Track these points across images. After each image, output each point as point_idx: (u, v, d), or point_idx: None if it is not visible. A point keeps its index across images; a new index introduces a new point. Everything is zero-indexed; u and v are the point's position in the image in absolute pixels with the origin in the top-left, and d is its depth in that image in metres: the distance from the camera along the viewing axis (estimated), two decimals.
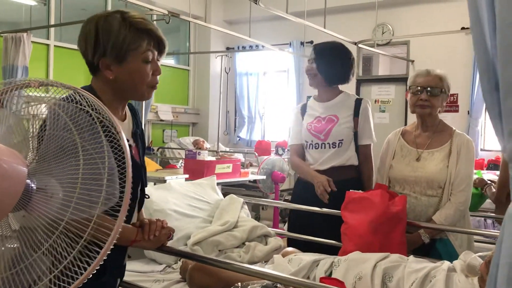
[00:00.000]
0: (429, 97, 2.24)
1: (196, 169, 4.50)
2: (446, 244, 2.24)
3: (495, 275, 0.89)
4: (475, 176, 2.97)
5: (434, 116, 2.30)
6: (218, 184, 4.88)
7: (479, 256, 1.50)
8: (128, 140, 1.49)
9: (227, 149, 7.19)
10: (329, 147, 2.57)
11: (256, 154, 6.09)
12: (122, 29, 1.39)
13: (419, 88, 2.27)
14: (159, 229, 1.55)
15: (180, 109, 7.72)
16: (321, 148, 2.58)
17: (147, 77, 1.44)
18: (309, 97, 2.92)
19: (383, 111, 6.55)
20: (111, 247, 1.12)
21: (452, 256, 2.22)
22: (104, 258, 1.23)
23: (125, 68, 1.41)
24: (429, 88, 2.24)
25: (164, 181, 4.12)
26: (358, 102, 2.61)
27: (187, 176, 4.40)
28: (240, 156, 6.56)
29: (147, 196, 1.68)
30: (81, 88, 1.50)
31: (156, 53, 1.47)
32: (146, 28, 1.42)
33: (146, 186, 1.72)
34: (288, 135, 2.83)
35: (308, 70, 2.63)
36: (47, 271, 1.11)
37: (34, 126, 1.13)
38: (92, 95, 1.14)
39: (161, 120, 7.36)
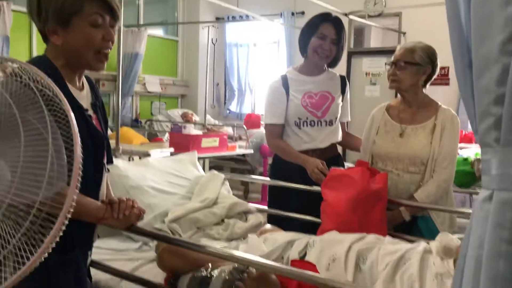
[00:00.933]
0: (397, 71, 2.18)
1: (181, 143, 4.43)
2: (427, 221, 2.20)
3: (462, 267, 0.84)
4: (473, 157, 2.93)
5: (413, 90, 2.23)
6: (205, 158, 4.85)
7: (457, 238, 1.46)
8: (87, 110, 1.43)
9: (216, 122, 7.11)
10: (326, 125, 2.50)
11: (245, 128, 6.02)
12: None
13: (389, 62, 2.23)
14: (129, 208, 1.50)
15: (169, 80, 7.58)
16: (318, 125, 2.48)
17: (94, 43, 1.37)
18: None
19: (374, 84, 6.46)
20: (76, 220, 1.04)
21: (433, 233, 2.18)
22: (71, 232, 1.17)
23: (71, 32, 1.36)
24: (397, 62, 2.18)
25: (148, 155, 4.06)
26: (343, 80, 2.60)
27: (172, 150, 4.33)
28: (229, 130, 6.50)
29: (107, 170, 1.62)
30: (33, 58, 1.44)
31: (108, 18, 1.40)
32: None
33: (111, 161, 1.67)
34: (266, 112, 2.56)
35: (325, 50, 2.41)
36: None
37: None
38: (34, 67, 1.06)
39: (149, 92, 7.23)
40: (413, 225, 2.23)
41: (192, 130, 4.53)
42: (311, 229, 2.23)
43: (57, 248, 1.09)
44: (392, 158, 2.24)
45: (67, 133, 1.06)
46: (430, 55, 2.20)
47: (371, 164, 2.32)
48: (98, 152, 1.49)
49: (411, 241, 2.11)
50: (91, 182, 1.48)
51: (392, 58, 2.25)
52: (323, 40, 2.40)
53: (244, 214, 2.47)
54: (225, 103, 7.85)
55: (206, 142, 4.53)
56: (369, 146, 2.34)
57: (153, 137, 6.46)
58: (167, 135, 5.26)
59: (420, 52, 2.18)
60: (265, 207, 2.59)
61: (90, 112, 1.49)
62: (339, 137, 2.59)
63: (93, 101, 1.53)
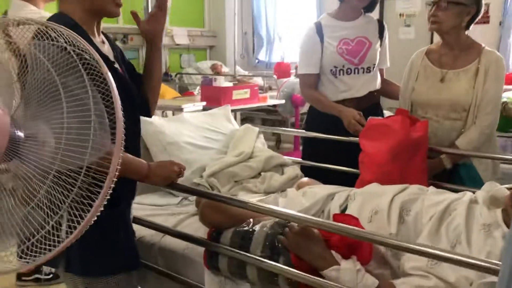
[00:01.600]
0: (438, 12, 2.05)
1: (212, 96, 4.42)
2: (469, 168, 2.15)
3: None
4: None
5: (455, 32, 2.11)
6: (236, 110, 4.83)
7: (505, 187, 1.41)
8: (114, 63, 1.42)
9: (246, 73, 7.03)
10: (363, 72, 2.41)
11: (275, 77, 5.93)
12: None
13: (430, 2, 2.09)
14: (167, 166, 1.51)
15: (196, 32, 7.47)
16: (355, 73, 2.39)
17: None
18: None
19: (408, 26, 6.18)
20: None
21: (475, 181, 2.14)
22: (117, 188, 1.19)
23: None
24: (439, 2, 2.05)
25: (181, 110, 4.08)
26: (381, 24, 2.49)
27: (204, 103, 4.32)
28: (259, 80, 6.42)
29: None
30: (52, 16, 1.41)
31: None
32: None
33: (149, 115, 1.67)
34: (300, 61, 2.46)
35: None
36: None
37: (14, 69, 1.04)
38: (65, 28, 1.04)
39: (177, 45, 7.17)
40: (455, 173, 2.18)
41: (222, 82, 4.50)
42: (349, 181, 2.21)
43: (105, 204, 1.11)
44: (433, 105, 2.16)
45: (106, 95, 1.04)
46: None
47: (410, 112, 2.25)
48: (133, 104, 1.48)
49: (454, 191, 2.09)
50: (130, 135, 1.49)
51: None
52: None
53: (280, 167, 2.46)
54: (253, 52, 7.72)
55: (237, 94, 4.49)
56: (408, 93, 2.26)
57: (185, 91, 6.46)
58: (198, 88, 5.23)
59: None
60: (300, 159, 2.57)
61: (116, 65, 1.48)
62: (378, 84, 2.50)
63: (115, 54, 1.52)
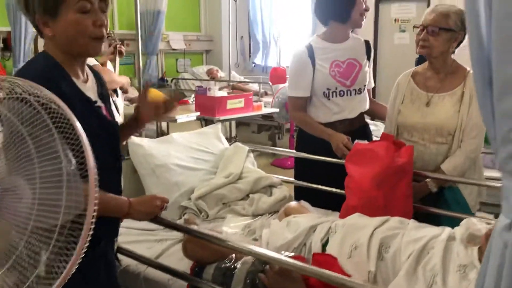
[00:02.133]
0: (429, 37, 2.06)
1: (207, 105, 4.42)
2: (455, 192, 2.16)
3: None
4: None
5: (443, 57, 2.12)
6: (231, 120, 4.84)
7: (484, 226, 1.43)
8: (95, 102, 1.42)
9: (242, 78, 7.04)
10: (355, 94, 2.43)
11: (271, 84, 5.93)
12: None
13: (420, 27, 2.10)
14: (148, 201, 1.52)
15: (192, 36, 7.48)
16: (347, 95, 2.41)
17: (85, 29, 1.33)
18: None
19: (403, 31, 6.19)
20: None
21: (460, 204, 2.16)
22: (96, 228, 1.20)
23: (60, 22, 1.31)
24: (429, 27, 2.05)
25: (175, 120, 4.09)
26: (367, 45, 2.51)
27: (198, 113, 4.34)
28: (255, 86, 6.43)
29: (122, 157, 1.63)
30: (37, 55, 1.42)
31: (96, 2, 1.34)
32: None
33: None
34: (290, 84, 2.48)
35: (367, 11, 2.37)
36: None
37: None
38: (24, 80, 1.06)
39: (174, 49, 7.18)
40: (440, 196, 2.19)
41: (216, 92, 4.50)
42: (337, 202, 2.23)
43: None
44: (418, 128, 2.17)
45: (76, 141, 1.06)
46: (464, 20, 2.07)
47: (396, 135, 2.27)
48: (114, 142, 1.49)
49: (438, 217, 2.11)
50: (113, 173, 1.50)
51: (423, 22, 2.11)
52: (364, 1, 2.34)
53: (269, 188, 2.48)
54: (250, 56, 7.72)
55: (231, 104, 4.49)
56: (395, 116, 2.27)
57: (181, 96, 6.48)
58: (193, 96, 5.24)
59: (454, 17, 2.05)
60: (291, 179, 2.59)
61: (99, 102, 1.47)
62: (367, 105, 2.52)
63: (100, 91, 1.51)
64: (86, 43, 1.35)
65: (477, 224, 1.46)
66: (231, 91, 5.50)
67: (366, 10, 2.35)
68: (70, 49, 1.37)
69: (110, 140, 1.46)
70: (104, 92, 1.54)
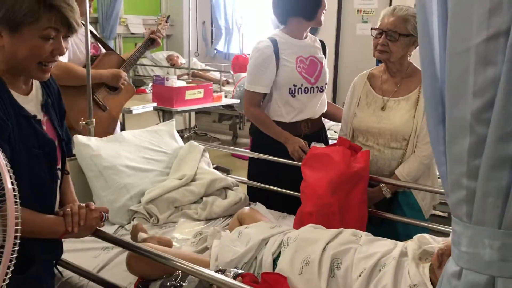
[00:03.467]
0: (387, 41, 2.01)
1: (165, 96, 4.29)
2: (408, 196, 2.16)
3: None
4: None
5: (400, 61, 2.09)
6: (190, 111, 4.72)
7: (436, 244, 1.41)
8: (35, 117, 1.33)
9: (203, 65, 6.89)
10: (317, 91, 2.39)
11: (232, 73, 5.83)
12: None
13: (378, 30, 2.05)
14: (84, 218, 1.42)
15: (152, 20, 7.22)
16: (311, 92, 2.36)
17: (41, 56, 1.26)
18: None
19: (366, 22, 6.17)
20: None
21: (414, 208, 2.16)
22: (27, 251, 1.11)
23: (17, 39, 1.23)
24: (388, 32, 2.00)
25: (130, 112, 3.95)
26: (323, 44, 2.49)
27: (155, 104, 4.20)
28: (216, 73, 6.31)
29: (66, 172, 1.53)
30: None
31: (64, 31, 1.27)
32: (50, 3, 1.21)
33: (70, 155, 1.58)
34: (251, 78, 2.34)
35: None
36: None
37: None
38: None
39: (132, 34, 6.93)
40: (394, 200, 2.18)
41: (175, 82, 4.37)
42: (293, 204, 2.19)
43: (15, 269, 1.03)
44: (373, 133, 2.15)
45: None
46: None
47: (352, 138, 2.24)
48: (52, 160, 1.39)
49: (391, 223, 2.10)
50: (48, 192, 1.41)
51: (381, 25, 2.06)
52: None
53: (224, 190, 2.40)
54: (212, 42, 7.56)
55: (190, 94, 4.38)
56: (350, 119, 2.24)
57: (139, 83, 6.28)
58: (150, 85, 5.08)
59: (413, 21, 1.99)
60: (247, 181, 2.52)
61: (40, 115, 1.38)
62: (326, 106, 2.49)
63: (44, 100, 1.41)
64: (33, 68, 1.28)
65: (429, 239, 1.44)
66: (190, 80, 5.36)
67: (325, 9, 2.31)
68: (14, 66, 1.29)
69: (47, 159, 1.36)
70: (51, 99, 1.44)
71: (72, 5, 1.26)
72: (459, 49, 0.66)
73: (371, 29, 2.11)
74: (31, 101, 1.36)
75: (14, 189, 0.98)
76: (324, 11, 2.31)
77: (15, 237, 0.94)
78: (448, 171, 0.74)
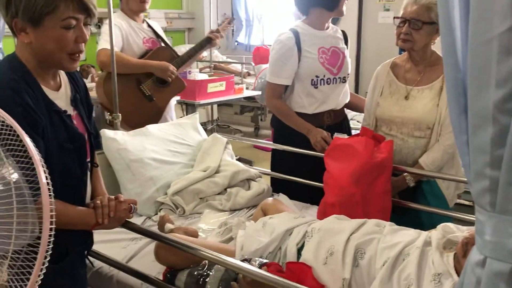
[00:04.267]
0: (411, 30, 2.00)
1: (187, 89, 4.29)
2: (432, 185, 2.15)
3: None
4: None
5: (423, 49, 2.07)
6: (212, 103, 4.75)
7: (461, 233, 1.40)
8: (65, 112, 1.37)
9: (224, 57, 6.91)
10: (340, 82, 2.39)
11: (253, 65, 5.83)
12: None
13: (400, 19, 2.03)
14: (113, 209, 1.46)
15: (174, 14, 7.28)
16: (333, 83, 2.36)
17: (67, 45, 1.29)
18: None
19: (388, 10, 6.09)
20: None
21: (438, 197, 2.15)
22: (62, 242, 1.16)
23: (41, 32, 1.27)
24: (411, 21, 1.99)
25: None
26: (345, 35, 2.49)
27: (178, 98, 4.25)
28: (237, 65, 6.32)
29: (95, 165, 1.58)
30: (5, 57, 1.35)
31: (82, 17, 1.29)
32: None
33: (99, 149, 1.62)
34: (273, 70, 2.35)
35: None
36: None
37: None
38: None
39: None
40: (418, 189, 2.17)
41: (197, 75, 4.41)
42: (316, 194, 2.21)
43: (50, 260, 1.08)
44: (397, 122, 2.14)
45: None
46: None
47: (375, 127, 2.23)
48: (82, 153, 1.44)
49: (415, 212, 2.09)
50: (78, 184, 1.45)
51: (403, 14, 2.04)
52: None
53: (247, 181, 2.43)
54: (233, 35, 7.57)
55: (212, 87, 4.41)
56: (373, 108, 2.23)
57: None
58: None
59: (435, 9, 1.97)
60: (270, 172, 2.55)
61: (70, 110, 1.42)
62: (349, 96, 2.49)
63: (73, 95, 1.46)
64: (62, 58, 1.32)
65: (453, 229, 1.44)
66: (212, 73, 5.39)
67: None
68: (45, 60, 1.33)
69: (78, 153, 1.41)
70: (79, 95, 1.48)
71: None
72: (481, 39, 0.67)
73: (394, 18, 2.10)
74: (61, 97, 1.40)
75: (48, 183, 1.01)
76: (346, 1, 2.30)
77: (50, 229, 0.98)
78: (471, 161, 0.74)
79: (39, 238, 1.02)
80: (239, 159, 3.26)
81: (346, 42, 2.46)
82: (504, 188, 0.69)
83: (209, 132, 2.78)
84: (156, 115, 2.86)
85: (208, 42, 2.99)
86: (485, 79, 0.68)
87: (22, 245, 0.97)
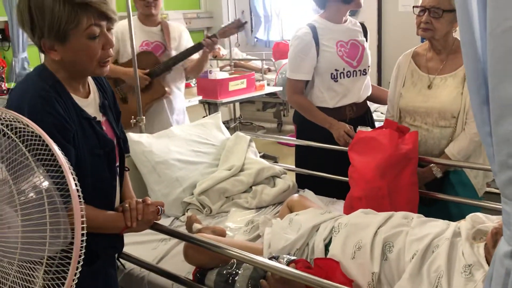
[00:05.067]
0: (431, 19, 1.96)
1: (209, 88, 4.37)
2: (460, 175, 2.12)
3: None
4: None
5: (444, 38, 2.03)
6: (234, 101, 4.77)
7: (490, 223, 1.38)
8: (95, 118, 1.40)
9: (244, 55, 6.92)
10: (360, 74, 2.38)
11: (273, 60, 5.83)
12: (56, 7, 1.24)
13: (420, 8, 2.00)
14: (141, 212, 1.49)
15: (192, 14, 7.33)
16: (353, 76, 2.35)
17: (95, 54, 1.32)
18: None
19: None
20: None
21: (466, 186, 2.11)
22: (93, 247, 1.19)
23: (69, 47, 1.29)
24: (431, 9, 1.96)
25: None
26: (364, 27, 2.46)
27: (200, 97, 4.29)
28: (258, 62, 6.32)
29: (127, 169, 1.61)
30: (36, 68, 1.39)
31: (104, 23, 1.32)
32: (83, 2, 1.26)
33: (128, 153, 1.65)
34: (292, 66, 2.36)
35: None
36: None
37: None
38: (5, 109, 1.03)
39: None
40: (446, 179, 2.14)
41: (218, 74, 4.43)
42: (341, 189, 2.21)
43: (82, 263, 1.11)
44: (421, 112, 2.11)
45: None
46: None
47: (399, 119, 2.21)
48: (111, 158, 1.47)
49: (444, 203, 2.07)
50: (109, 188, 1.49)
51: (423, 2, 2.01)
52: None
53: (272, 178, 2.44)
54: (252, 31, 7.58)
55: (233, 85, 4.43)
56: (396, 99, 2.21)
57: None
58: (195, 79, 5.17)
59: None
60: (295, 168, 2.55)
61: (99, 117, 1.45)
62: (371, 89, 2.47)
63: (102, 101, 1.49)
64: (94, 67, 1.35)
65: (483, 218, 1.42)
66: (233, 71, 5.40)
67: None
68: (76, 71, 1.37)
69: (107, 158, 1.44)
70: (107, 102, 1.52)
71: None
72: (501, 28, 0.66)
73: (413, 7, 2.07)
74: (90, 104, 1.43)
75: (78, 190, 1.04)
76: None
77: (82, 234, 1.01)
78: (495, 151, 0.73)
79: (71, 243, 1.05)
80: (263, 156, 3.27)
81: (365, 35, 2.44)
82: None
83: (232, 130, 2.78)
84: (128, 118, 2.66)
85: (197, 49, 2.84)
86: (506, 69, 0.67)
87: (56, 251, 1.00)
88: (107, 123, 1.50)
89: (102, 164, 1.43)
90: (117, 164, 1.53)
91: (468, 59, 0.75)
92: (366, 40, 2.44)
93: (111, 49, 1.37)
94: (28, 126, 1.07)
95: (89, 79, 1.48)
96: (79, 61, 1.32)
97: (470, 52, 0.75)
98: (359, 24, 2.43)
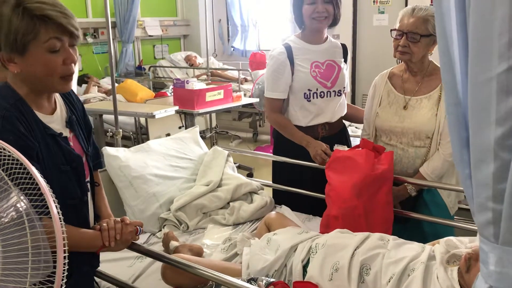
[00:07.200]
0: (409, 43, 2.02)
1: (186, 99, 4.35)
2: (433, 194, 2.17)
3: None
4: None
5: (421, 61, 2.09)
6: (210, 112, 4.77)
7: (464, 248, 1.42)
8: (61, 134, 1.38)
9: (221, 64, 6.93)
10: (334, 95, 2.39)
11: (250, 71, 5.85)
12: (14, 18, 1.22)
13: (398, 32, 2.05)
14: (120, 232, 1.47)
15: (169, 21, 7.32)
16: (327, 96, 2.37)
17: (55, 68, 1.30)
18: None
19: (382, 12, 6.12)
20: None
21: (439, 205, 2.17)
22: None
23: (29, 59, 1.27)
24: (409, 34, 2.01)
25: (153, 116, 4.02)
26: (344, 48, 2.48)
27: (176, 108, 4.27)
28: (234, 72, 6.34)
29: (96, 184, 1.59)
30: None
31: (66, 38, 1.30)
32: (43, 14, 1.24)
33: (101, 168, 1.63)
34: (268, 85, 2.39)
35: (321, 12, 2.24)
36: None
37: None
38: None
39: (150, 36, 7.02)
40: (419, 197, 2.19)
41: (195, 84, 4.42)
42: (318, 205, 2.23)
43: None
44: (396, 132, 2.16)
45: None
46: None
47: (374, 138, 2.25)
48: (80, 174, 1.45)
49: (417, 223, 2.11)
50: (79, 204, 1.47)
51: (400, 26, 2.06)
52: (314, 4, 2.24)
53: (249, 194, 2.45)
54: (228, 40, 7.60)
55: (210, 96, 4.42)
56: (372, 118, 2.25)
57: (159, 86, 6.37)
58: (171, 87, 5.15)
59: (433, 21, 1.99)
60: (272, 184, 2.56)
61: (66, 132, 1.44)
62: (345, 109, 2.50)
63: (68, 117, 1.47)
64: (54, 82, 1.33)
65: (456, 243, 1.46)
66: (209, 81, 5.40)
67: (318, 12, 2.24)
68: (37, 86, 1.34)
69: (76, 174, 1.42)
70: (75, 115, 1.50)
71: (65, 12, 1.28)
72: (481, 79, 0.69)
73: (391, 30, 2.12)
74: (56, 120, 1.41)
75: (59, 212, 1.03)
76: (315, 16, 2.26)
77: (64, 257, 1.00)
78: (474, 193, 0.76)
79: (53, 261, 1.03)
80: (239, 167, 3.27)
81: (345, 55, 2.47)
82: (507, 221, 0.71)
83: (208, 140, 2.77)
84: None
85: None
86: (485, 117, 0.70)
87: (39, 279, 0.98)
88: (74, 138, 1.48)
89: (71, 180, 1.41)
90: (87, 179, 1.51)
91: (449, 104, 0.78)
92: (346, 61, 2.47)
93: (73, 65, 1.34)
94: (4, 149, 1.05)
95: (56, 94, 1.46)
96: (38, 75, 1.29)
97: (452, 97, 0.77)
98: (339, 45, 2.46)
